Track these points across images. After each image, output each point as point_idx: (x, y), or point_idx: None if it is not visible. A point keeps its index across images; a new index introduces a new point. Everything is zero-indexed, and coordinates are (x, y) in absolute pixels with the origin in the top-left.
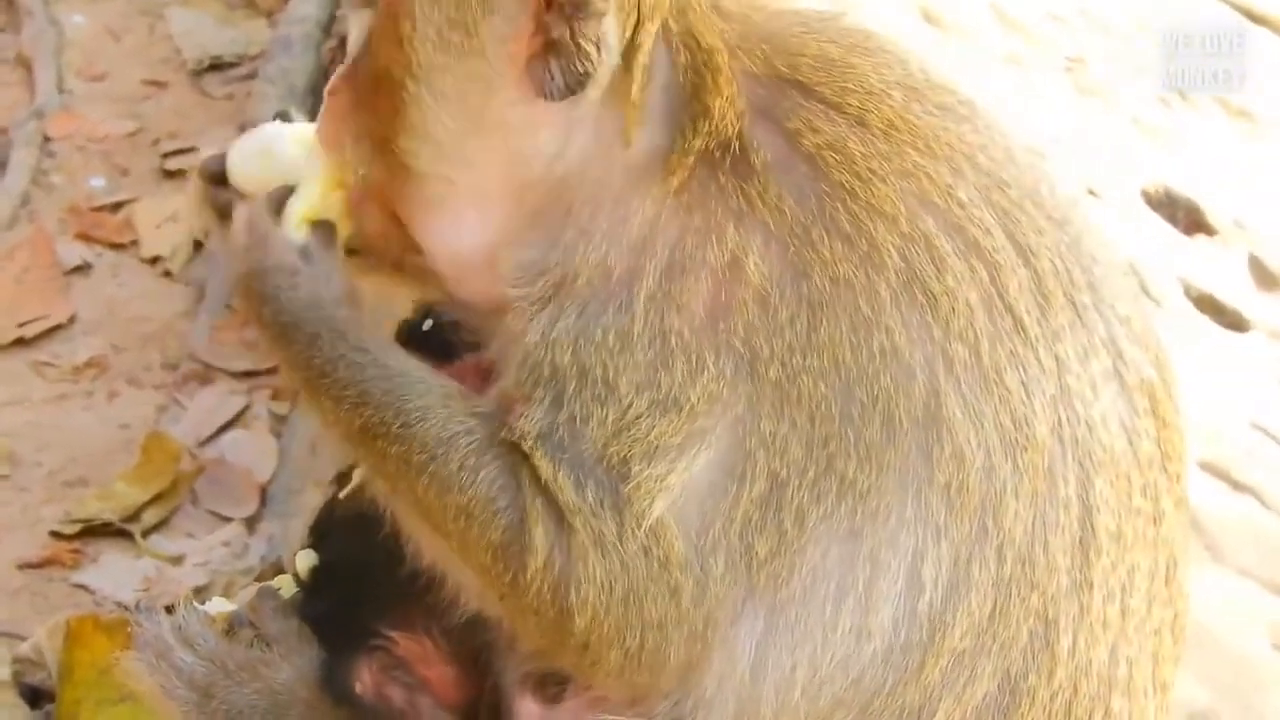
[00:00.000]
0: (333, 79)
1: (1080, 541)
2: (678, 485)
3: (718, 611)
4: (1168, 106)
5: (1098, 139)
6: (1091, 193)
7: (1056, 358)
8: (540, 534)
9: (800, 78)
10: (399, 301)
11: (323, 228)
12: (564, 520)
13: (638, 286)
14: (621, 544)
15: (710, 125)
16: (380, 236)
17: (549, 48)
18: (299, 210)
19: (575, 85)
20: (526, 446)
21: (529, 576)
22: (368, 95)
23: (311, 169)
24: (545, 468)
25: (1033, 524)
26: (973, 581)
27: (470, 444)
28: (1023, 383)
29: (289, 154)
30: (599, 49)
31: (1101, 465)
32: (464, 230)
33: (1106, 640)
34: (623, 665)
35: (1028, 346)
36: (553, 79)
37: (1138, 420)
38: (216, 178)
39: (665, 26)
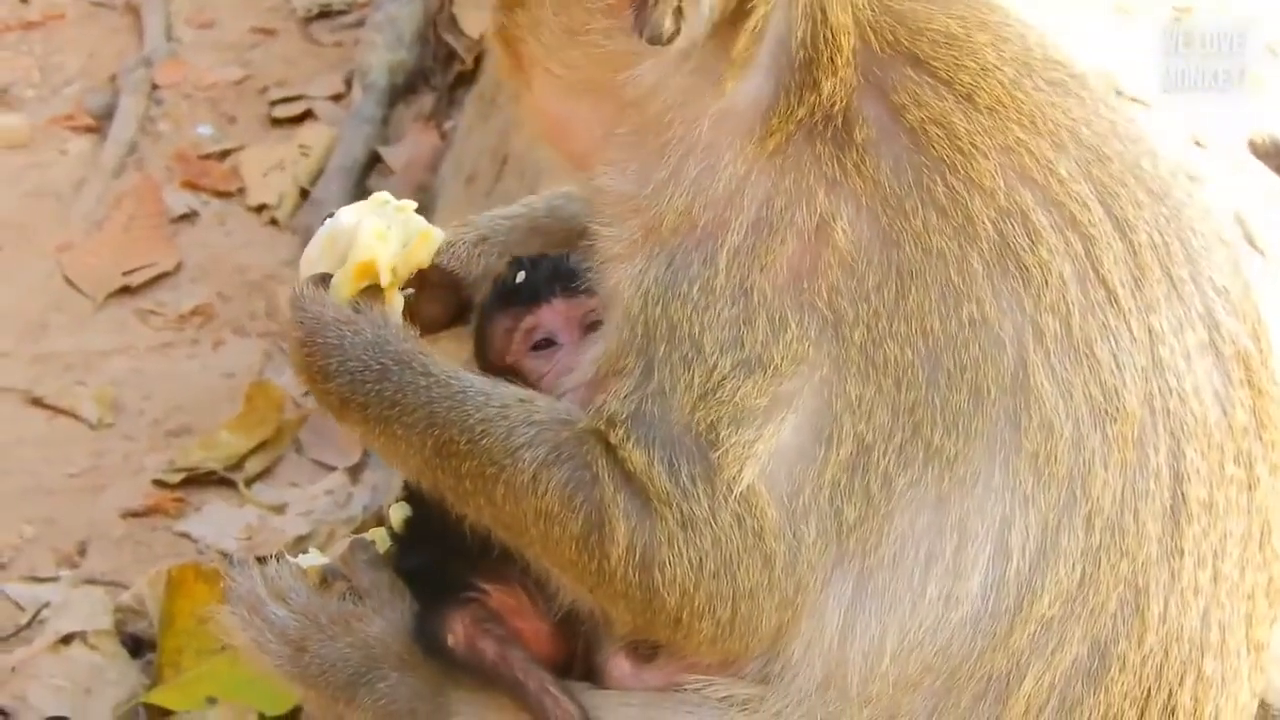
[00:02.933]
0: None
1: (1171, 510)
2: (765, 452)
3: (809, 577)
4: (1275, 55)
5: (1205, 88)
6: (1198, 143)
7: (1150, 330)
8: (621, 524)
9: (918, 52)
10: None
11: (369, 290)
12: (650, 507)
13: (722, 239)
14: (715, 519)
15: (817, 99)
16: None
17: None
18: (344, 283)
19: (660, 39)
20: (616, 437)
21: (613, 564)
22: None
23: (358, 238)
24: (638, 457)
25: (1122, 493)
26: (1061, 550)
27: (536, 453)
28: (1114, 354)
29: (349, 226)
30: (684, 14)
31: (1193, 435)
32: (564, 110)
33: (1198, 606)
34: (715, 635)
35: (1120, 319)
36: (645, 24)
37: (1232, 390)
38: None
39: None
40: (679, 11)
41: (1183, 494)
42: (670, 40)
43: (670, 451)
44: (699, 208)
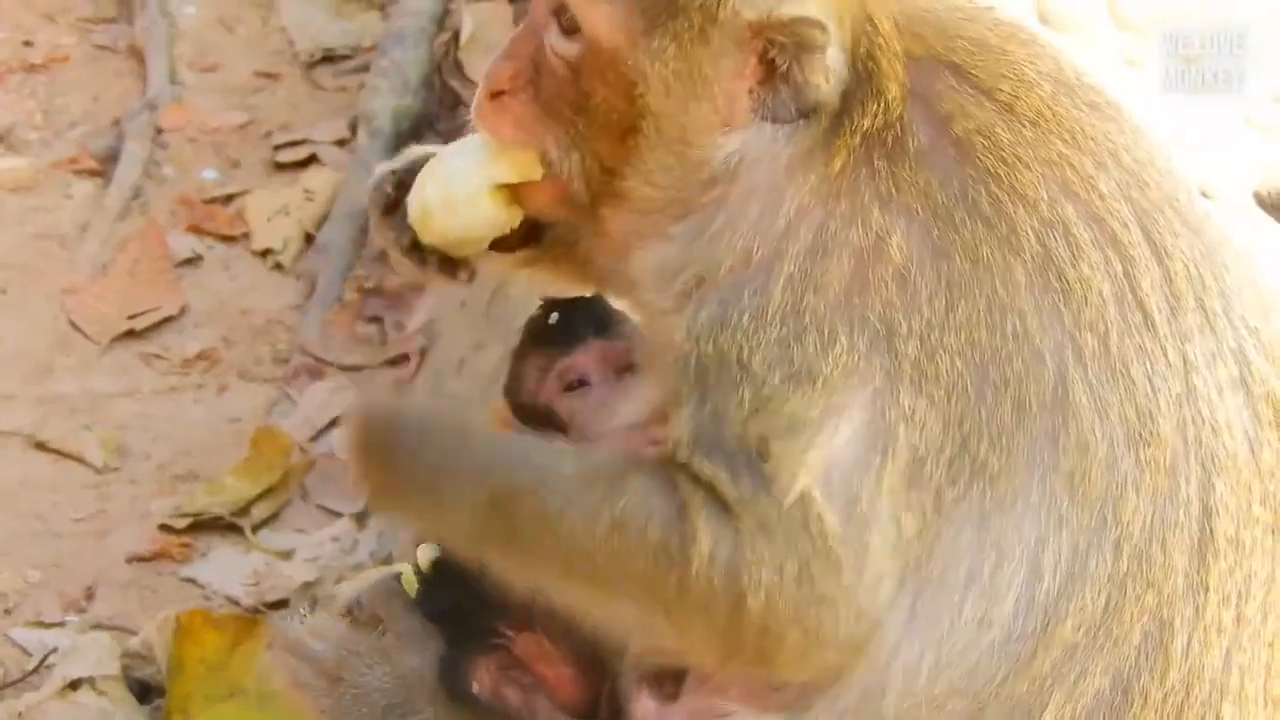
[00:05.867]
0: (495, 76)
1: (1199, 543)
2: (817, 461)
3: (879, 587)
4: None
5: (1211, 138)
6: (1205, 193)
7: (1184, 357)
8: (702, 522)
9: (956, 59)
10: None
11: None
12: (728, 509)
13: (777, 270)
14: (783, 524)
15: (881, 106)
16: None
17: (775, 78)
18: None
19: (809, 111)
20: (683, 456)
21: (695, 571)
22: (576, 118)
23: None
24: (704, 468)
25: (1151, 521)
26: (1088, 574)
27: (611, 470)
28: (1149, 378)
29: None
30: (828, 78)
31: (1224, 469)
32: (645, 222)
33: (1220, 645)
34: (805, 645)
35: (1156, 343)
36: (783, 105)
37: (1261, 431)
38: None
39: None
40: (823, 79)
41: (1211, 528)
42: (817, 109)
43: (732, 465)
44: (757, 244)
